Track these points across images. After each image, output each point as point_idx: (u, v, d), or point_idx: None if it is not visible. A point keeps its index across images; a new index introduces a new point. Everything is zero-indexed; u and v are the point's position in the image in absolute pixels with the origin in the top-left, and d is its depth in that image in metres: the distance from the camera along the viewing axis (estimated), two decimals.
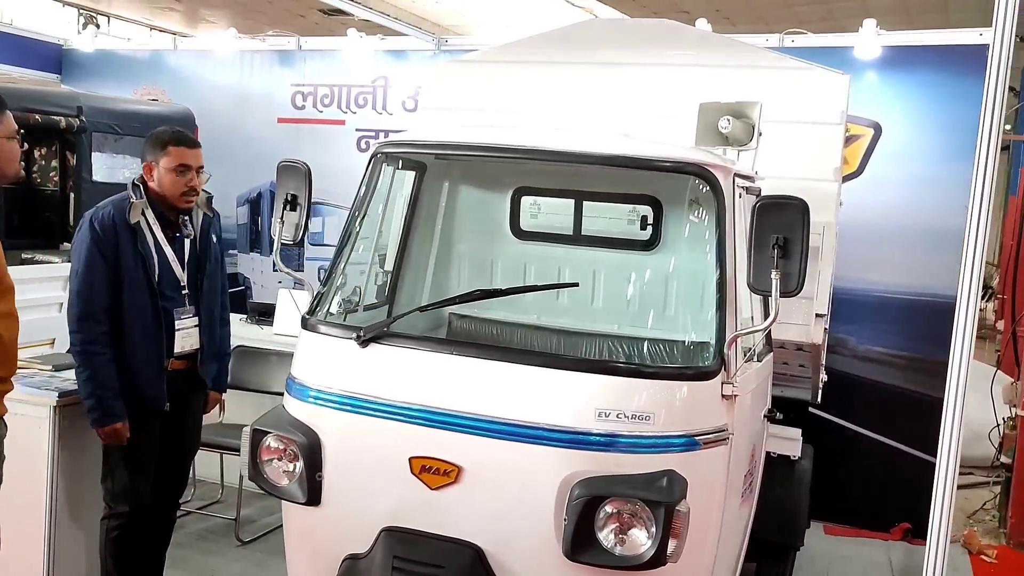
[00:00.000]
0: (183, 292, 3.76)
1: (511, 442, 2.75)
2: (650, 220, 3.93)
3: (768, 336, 3.58)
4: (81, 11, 17.55)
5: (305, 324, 3.18)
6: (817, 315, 3.97)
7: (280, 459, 3.01)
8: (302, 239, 3.37)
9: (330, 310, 3.36)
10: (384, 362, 2.95)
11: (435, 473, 2.79)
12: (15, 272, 6.11)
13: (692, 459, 2.81)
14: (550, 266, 4.07)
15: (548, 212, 4.12)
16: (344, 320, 3.42)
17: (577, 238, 4.03)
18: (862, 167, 5.93)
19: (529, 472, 2.74)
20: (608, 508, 2.67)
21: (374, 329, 2.98)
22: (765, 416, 3.84)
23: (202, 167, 3.78)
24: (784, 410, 4.07)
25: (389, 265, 3.87)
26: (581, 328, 4.00)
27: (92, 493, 3.92)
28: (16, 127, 3.13)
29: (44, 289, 6.40)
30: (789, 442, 4.52)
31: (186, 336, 3.78)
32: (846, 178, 4.90)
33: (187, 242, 3.80)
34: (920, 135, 5.86)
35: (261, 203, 7.97)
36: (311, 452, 2.93)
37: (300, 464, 2.95)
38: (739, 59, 4.25)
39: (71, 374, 4.09)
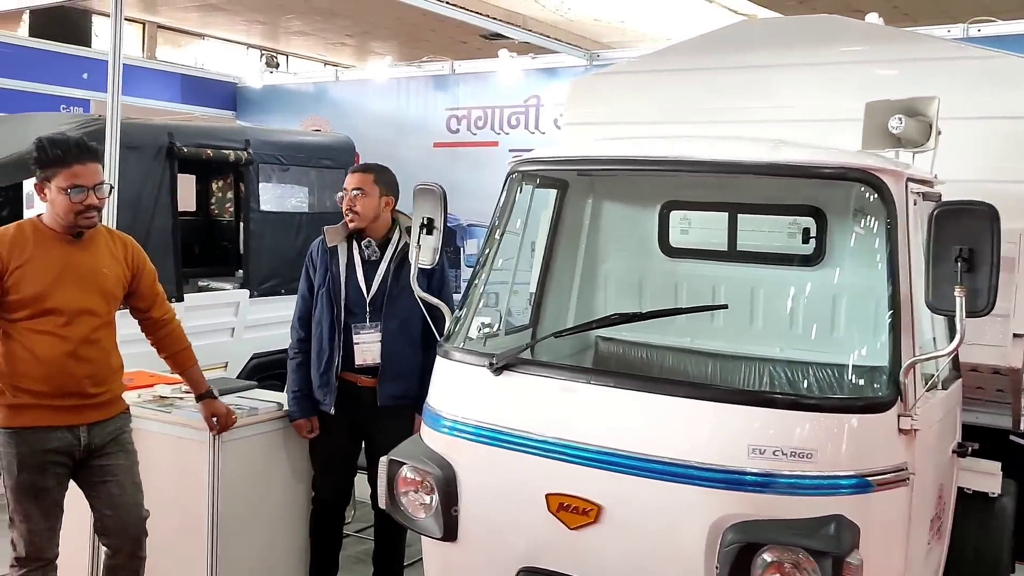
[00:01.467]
0: (367, 310, 3.89)
1: (655, 480, 2.52)
2: (813, 233, 3.59)
3: (955, 359, 3.16)
4: (263, 52, 18.72)
5: (440, 350, 3.07)
6: (1015, 335, 3.48)
7: (416, 491, 2.91)
8: (441, 261, 3.33)
9: (469, 335, 3.25)
10: (519, 391, 2.80)
11: (573, 512, 2.60)
12: (191, 299, 6.49)
13: (864, 503, 2.47)
14: (703, 285, 3.80)
15: (700, 227, 3.86)
16: (484, 345, 3.30)
17: (732, 254, 3.75)
18: None
19: (676, 514, 2.50)
20: (766, 556, 2.39)
21: (507, 356, 2.83)
22: (954, 451, 3.39)
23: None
24: (979, 439, 3.59)
25: (531, 287, 3.73)
26: (738, 352, 3.70)
27: (254, 514, 4.00)
28: (78, 181, 3.10)
29: (216, 315, 6.71)
30: (986, 477, 3.98)
31: (365, 350, 3.88)
32: None
33: (383, 264, 3.93)
34: None
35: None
36: (446, 485, 2.81)
37: (436, 497, 2.84)
38: (912, 52, 3.84)
39: (234, 399, 4.21)
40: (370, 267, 3.94)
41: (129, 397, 3.99)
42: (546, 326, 3.86)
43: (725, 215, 3.76)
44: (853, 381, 2.93)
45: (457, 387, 2.97)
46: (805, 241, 3.62)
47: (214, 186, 7.97)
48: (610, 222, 3.98)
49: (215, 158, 6.70)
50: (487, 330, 3.44)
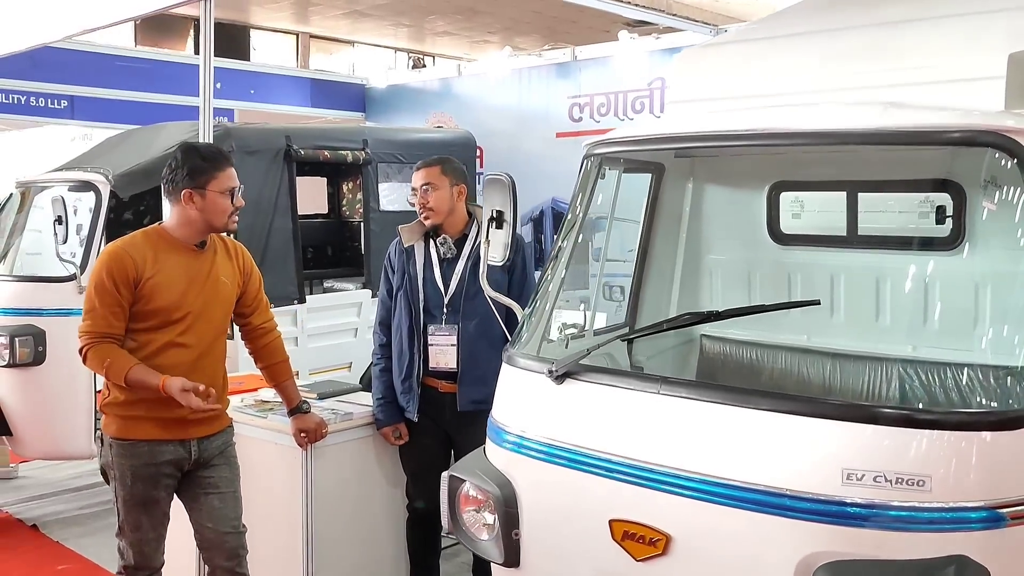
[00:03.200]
0: (444, 311, 3.76)
1: (733, 508, 2.14)
2: (949, 211, 3.05)
3: None
4: (410, 55, 19.08)
5: (505, 355, 2.80)
6: None
7: (479, 510, 2.66)
8: (522, 257, 3.07)
9: (547, 336, 2.95)
10: (583, 402, 2.48)
11: (639, 541, 2.26)
12: (313, 300, 6.53)
13: (995, 540, 2.00)
14: (819, 275, 3.33)
15: (814, 210, 3.39)
16: (567, 348, 3.00)
17: (852, 239, 3.26)
18: None
19: (756, 549, 2.12)
20: None
21: (567, 362, 2.51)
22: None
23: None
24: None
25: (622, 282, 3.39)
26: (863, 351, 3.21)
27: (350, 520, 3.92)
28: (233, 184, 3.19)
29: (338, 316, 6.73)
30: None
31: (440, 353, 3.76)
32: None
33: (461, 262, 3.80)
34: None
35: (544, 221, 7.82)
36: (507, 506, 2.54)
37: (497, 518, 2.57)
38: None
39: (332, 403, 4.13)
40: (447, 265, 3.81)
41: (233, 401, 4.01)
42: (645, 324, 3.51)
43: (843, 195, 3.27)
44: (991, 387, 2.43)
45: (519, 397, 2.68)
46: (940, 221, 3.09)
47: (344, 187, 8.06)
48: (713, 207, 3.57)
49: (333, 159, 6.73)
50: (571, 331, 3.14)
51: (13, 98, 8.32)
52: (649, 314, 3.53)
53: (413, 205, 3.89)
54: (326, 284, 7.30)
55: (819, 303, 2.83)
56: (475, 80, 8.36)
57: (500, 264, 3.02)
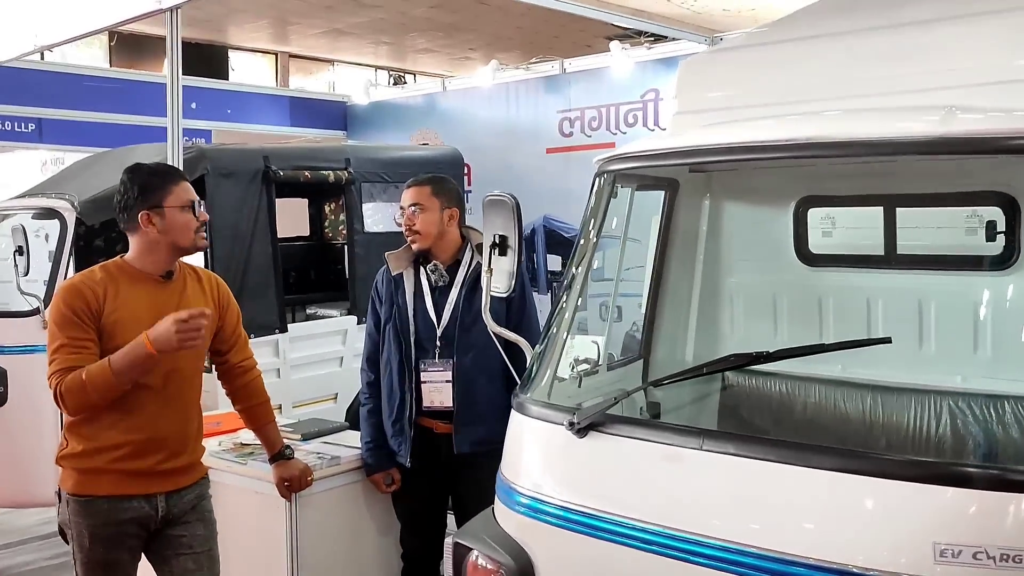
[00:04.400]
0: (437, 344, 3.46)
1: None
2: (1000, 227, 2.75)
3: None
4: (391, 73, 18.81)
5: (514, 402, 2.46)
6: None
7: None
8: (519, 285, 2.84)
9: (556, 376, 2.61)
10: (610, 458, 2.14)
11: None
12: (295, 329, 6.19)
13: None
14: (854, 299, 3.02)
15: (846, 227, 3.08)
16: (580, 387, 2.67)
17: (891, 259, 2.95)
18: None
19: None
20: None
21: (592, 412, 2.17)
22: None
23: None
24: None
25: (637, 308, 3.07)
26: (906, 383, 2.90)
27: (339, 573, 3.63)
28: (191, 197, 2.90)
29: (322, 344, 6.38)
30: None
31: (434, 390, 3.45)
32: None
33: (454, 290, 3.49)
34: None
35: (535, 239, 7.51)
36: None
37: None
38: None
39: (318, 444, 3.80)
40: (440, 294, 3.50)
41: (210, 445, 3.71)
42: (660, 357, 3.19)
43: (879, 210, 2.96)
44: None
45: (533, 451, 2.34)
46: (990, 238, 2.79)
47: (327, 209, 7.75)
48: (733, 226, 3.25)
49: (314, 180, 6.41)
50: (584, 367, 2.80)
51: None
52: (665, 344, 3.21)
53: (400, 225, 3.56)
54: (309, 311, 6.96)
55: (890, 340, 2.48)
56: (461, 95, 8.07)
57: (504, 295, 2.69)
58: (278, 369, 5.97)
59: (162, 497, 2.90)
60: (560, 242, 7.05)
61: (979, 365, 2.80)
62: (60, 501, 2.92)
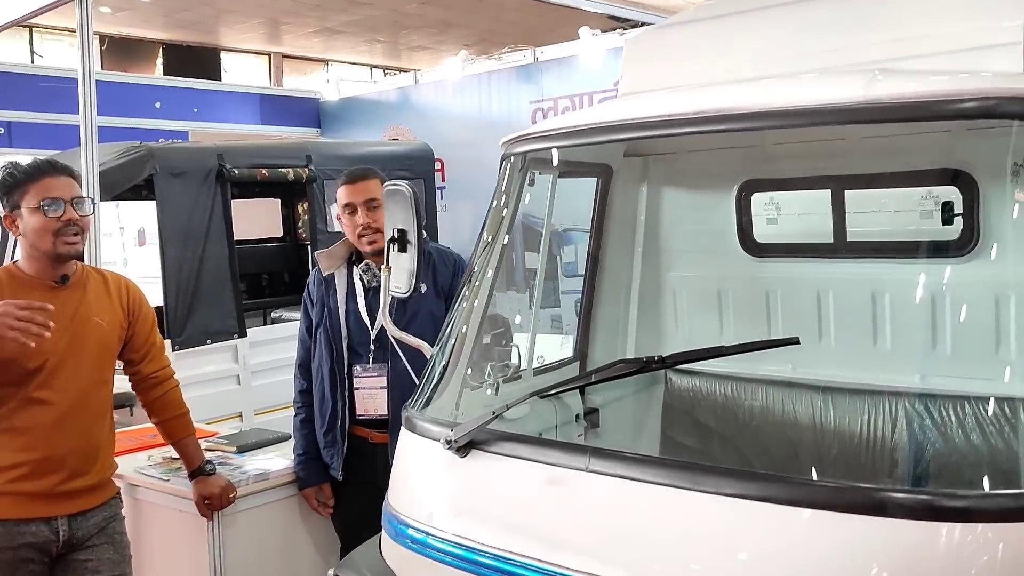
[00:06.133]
0: (371, 348, 3.24)
1: None
2: (958, 208, 2.47)
3: None
4: (386, 71, 18.60)
5: (403, 416, 2.19)
6: None
7: None
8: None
9: (465, 384, 2.35)
10: (492, 482, 1.87)
11: None
12: (254, 334, 5.93)
13: None
14: (803, 291, 2.74)
15: (793, 213, 2.80)
16: (497, 395, 2.40)
17: (840, 247, 2.68)
18: None
19: None
20: None
21: (471, 429, 1.88)
22: None
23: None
24: None
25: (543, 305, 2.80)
26: (860, 383, 2.62)
27: None
28: (50, 194, 2.62)
29: (283, 350, 6.06)
30: None
31: (368, 397, 3.24)
32: None
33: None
34: None
35: None
36: None
37: None
38: None
39: (247, 458, 3.55)
40: (374, 295, 3.24)
41: (138, 459, 3.52)
42: (598, 357, 2.92)
43: (827, 194, 2.68)
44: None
45: (418, 474, 2.06)
46: (947, 221, 2.50)
47: (300, 208, 7.50)
48: (672, 215, 2.98)
49: (272, 178, 6.15)
50: (502, 373, 2.54)
51: None
52: (603, 343, 2.95)
53: (346, 226, 3.28)
54: (274, 314, 6.72)
55: (798, 341, 2.15)
56: (432, 89, 7.81)
57: (405, 295, 2.42)
58: (238, 376, 5.77)
59: (64, 520, 2.69)
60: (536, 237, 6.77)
61: (939, 362, 2.52)
62: None
